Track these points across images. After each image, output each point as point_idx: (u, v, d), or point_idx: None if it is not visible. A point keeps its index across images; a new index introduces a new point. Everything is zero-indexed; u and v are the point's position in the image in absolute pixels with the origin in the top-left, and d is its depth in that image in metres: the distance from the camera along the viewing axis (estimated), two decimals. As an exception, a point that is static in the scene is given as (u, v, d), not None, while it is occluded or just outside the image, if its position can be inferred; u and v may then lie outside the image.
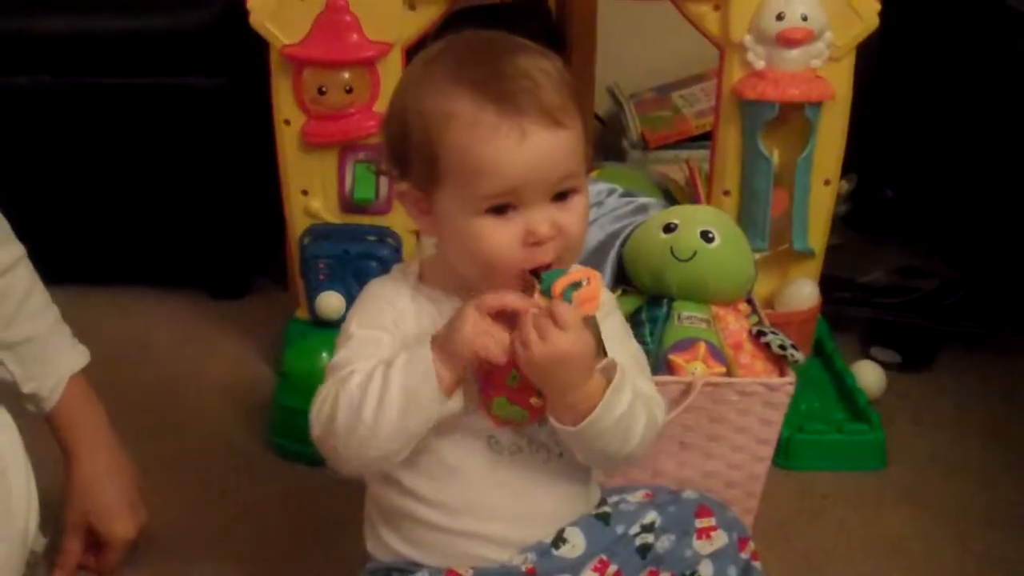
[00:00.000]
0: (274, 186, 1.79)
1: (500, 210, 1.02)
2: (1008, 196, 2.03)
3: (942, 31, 2.18)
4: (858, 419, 1.70)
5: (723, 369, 1.42)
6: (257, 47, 1.70)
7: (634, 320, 1.48)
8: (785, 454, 1.64)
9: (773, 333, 1.46)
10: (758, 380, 1.41)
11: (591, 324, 1.03)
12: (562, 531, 1.11)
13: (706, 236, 1.49)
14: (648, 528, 1.14)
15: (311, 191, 1.77)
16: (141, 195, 2.08)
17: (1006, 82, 1.99)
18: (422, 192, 1.06)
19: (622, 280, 1.57)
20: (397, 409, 1.02)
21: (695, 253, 1.48)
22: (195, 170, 2.05)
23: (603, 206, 1.65)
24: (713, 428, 1.43)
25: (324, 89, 1.69)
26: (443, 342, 1.02)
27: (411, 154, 1.05)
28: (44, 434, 1.30)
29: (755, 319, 1.52)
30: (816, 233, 1.78)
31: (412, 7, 1.68)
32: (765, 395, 1.41)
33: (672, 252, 1.49)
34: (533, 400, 1.05)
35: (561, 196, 1.03)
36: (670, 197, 1.86)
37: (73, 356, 1.33)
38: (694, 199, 1.80)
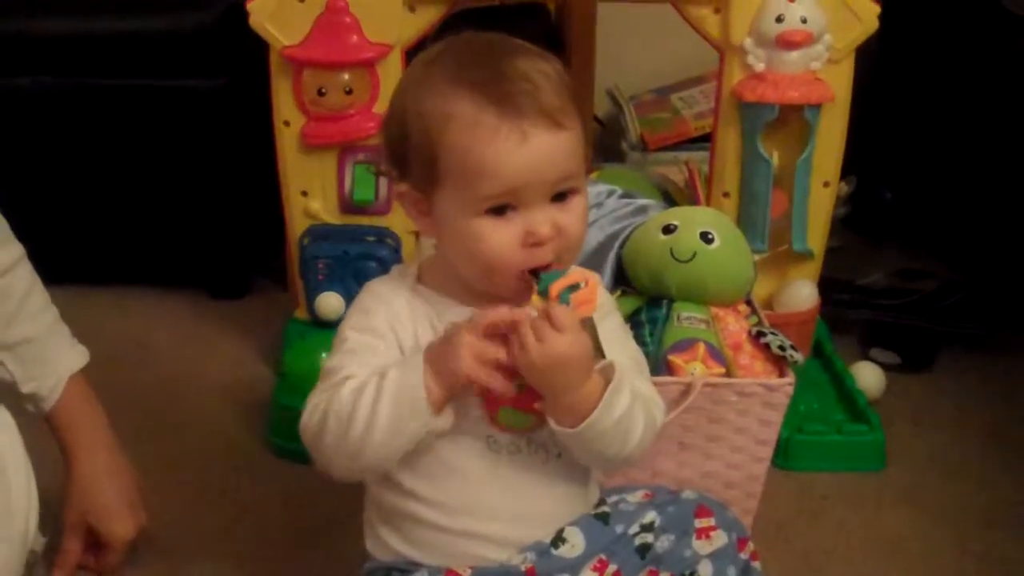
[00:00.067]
0: (274, 187, 1.80)
1: (500, 211, 1.02)
2: (1007, 197, 2.03)
3: (941, 34, 2.18)
4: (857, 420, 1.70)
5: (722, 370, 1.42)
6: (257, 48, 1.70)
7: (634, 321, 1.48)
8: (784, 455, 1.64)
9: (772, 334, 1.46)
10: (757, 381, 1.41)
11: (588, 326, 1.03)
12: (561, 531, 1.11)
13: (705, 237, 1.49)
14: (647, 528, 1.14)
15: (311, 192, 1.77)
16: (141, 196, 2.08)
17: (1004, 84, 1.99)
18: (422, 193, 1.07)
19: (621, 281, 1.57)
20: (386, 424, 1.02)
21: (694, 254, 1.48)
22: (195, 171, 2.05)
23: (603, 207, 1.65)
24: (712, 429, 1.43)
25: (324, 90, 1.69)
26: (437, 362, 1.03)
27: (411, 155, 1.06)
28: (44, 434, 1.30)
29: (754, 320, 1.52)
30: (815, 235, 1.78)
31: (412, 9, 1.68)
32: (764, 396, 1.41)
33: (672, 253, 1.49)
34: (538, 404, 1.05)
35: (561, 197, 1.04)
36: (669, 199, 1.86)
37: (72, 356, 1.33)
38: (693, 200, 1.80)
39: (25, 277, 1.30)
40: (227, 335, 2.03)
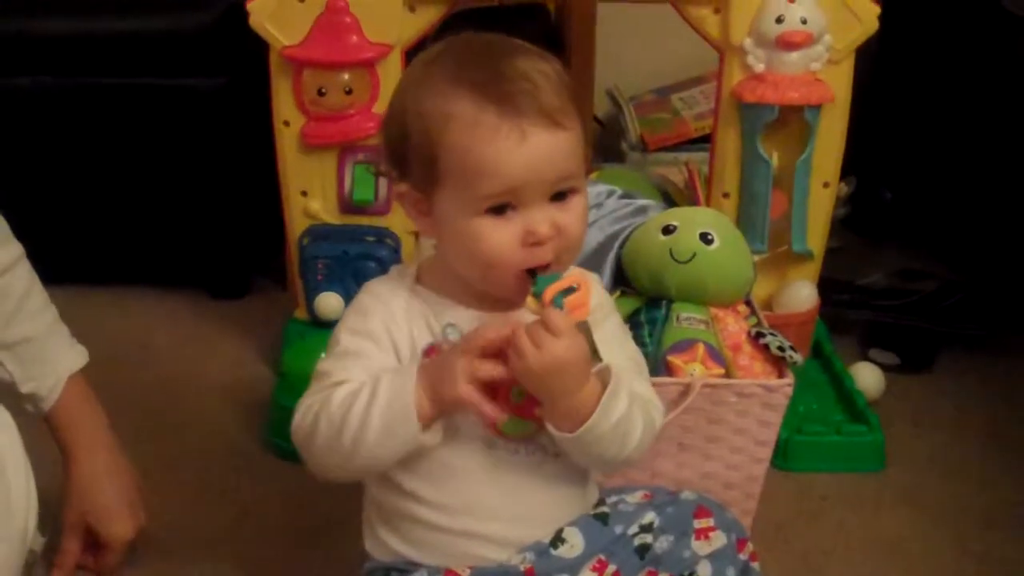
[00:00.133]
0: (274, 187, 1.80)
1: (499, 210, 1.02)
2: (1007, 198, 2.03)
3: (940, 34, 2.18)
4: (857, 421, 1.70)
5: (722, 371, 1.42)
6: (257, 48, 1.70)
7: (633, 321, 1.48)
8: (784, 455, 1.64)
9: (772, 335, 1.46)
10: (757, 382, 1.41)
11: (584, 330, 1.03)
12: (561, 531, 1.11)
13: (705, 238, 1.49)
14: (647, 528, 1.14)
15: (310, 192, 1.77)
16: (141, 195, 2.08)
17: (1004, 85, 1.99)
18: (421, 193, 1.07)
19: (621, 281, 1.57)
20: (376, 436, 1.03)
21: (694, 255, 1.48)
22: (195, 171, 2.05)
23: (602, 208, 1.65)
24: (712, 429, 1.43)
25: (324, 90, 1.69)
26: (431, 382, 1.03)
27: (410, 155, 1.06)
28: (43, 434, 1.30)
29: (754, 321, 1.52)
30: (815, 235, 1.78)
31: (412, 9, 1.68)
32: (764, 396, 1.41)
33: (671, 254, 1.49)
34: (538, 411, 1.06)
35: (560, 196, 1.04)
36: (669, 199, 1.86)
37: (72, 356, 1.33)
38: (693, 201, 1.80)
39: (24, 277, 1.30)
40: (227, 335, 2.03)
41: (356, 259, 1.74)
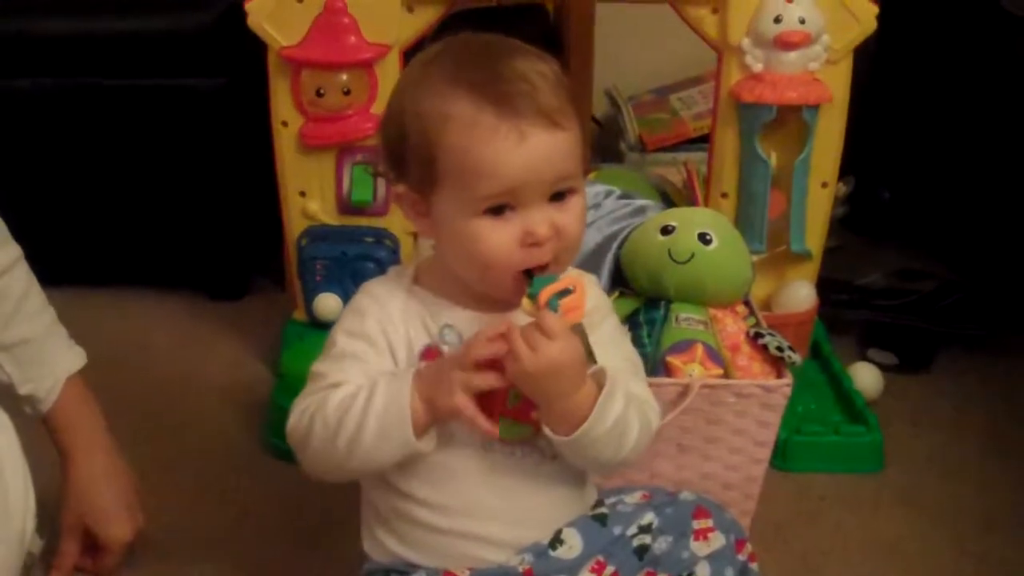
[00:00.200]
0: (272, 187, 1.79)
1: (498, 211, 1.02)
2: (1006, 198, 2.03)
3: (939, 34, 2.18)
4: (855, 421, 1.70)
5: (720, 371, 1.42)
6: (255, 49, 1.70)
7: (632, 322, 1.48)
8: (782, 456, 1.64)
9: (770, 335, 1.46)
10: (755, 382, 1.42)
11: (579, 331, 1.03)
12: (559, 532, 1.11)
13: (704, 238, 1.49)
14: (645, 529, 1.14)
15: (309, 193, 1.77)
16: (140, 196, 2.08)
17: (1002, 84, 1.99)
18: (419, 194, 1.07)
19: (620, 282, 1.57)
20: (371, 441, 1.04)
21: (693, 255, 1.48)
22: (194, 171, 2.05)
23: (601, 208, 1.65)
24: (711, 430, 1.43)
25: (322, 91, 1.69)
26: (427, 391, 1.04)
27: (409, 156, 1.06)
28: (41, 436, 1.30)
29: (752, 321, 1.52)
30: (813, 235, 1.78)
31: (410, 9, 1.68)
32: (762, 397, 1.41)
33: (670, 254, 1.49)
34: (535, 414, 1.06)
35: (559, 197, 1.04)
36: (668, 199, 1.86)
37: (70, 357, 1.33)
38: (692, 201, 1.80)
39: (22, 278, 1.30)
40: (225, 336, 2.02)
41: (355, 260, 1.74)
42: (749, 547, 1.17)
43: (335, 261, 1.75)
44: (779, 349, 1.43)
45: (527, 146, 1.01)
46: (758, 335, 1.46)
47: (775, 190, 1.72)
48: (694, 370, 1.41)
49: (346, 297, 1.70)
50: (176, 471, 1.64)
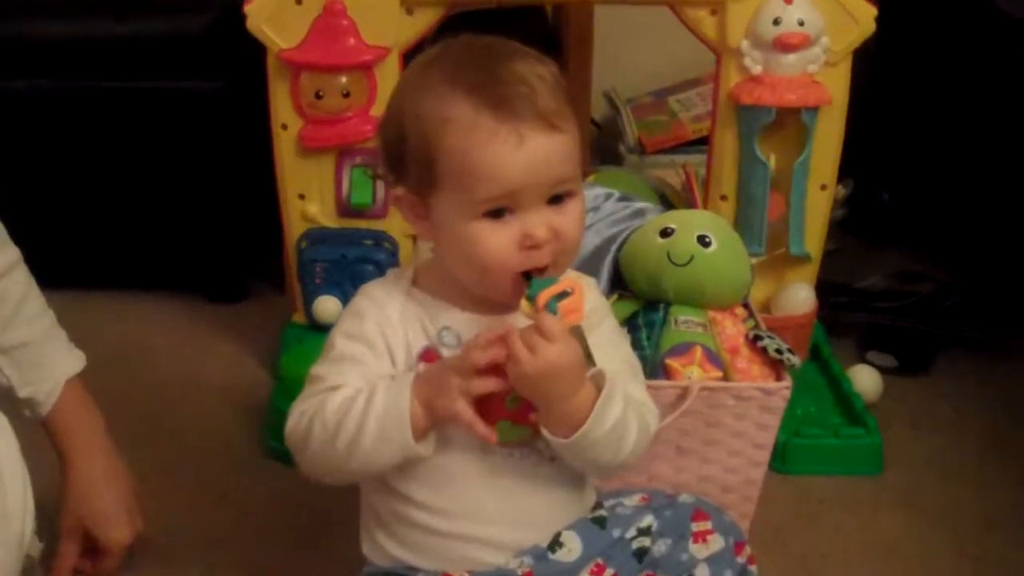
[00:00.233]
0: (271, 190, 1.79)
1: (496, 214, 1.03)
2: (1005, 200, 2.03)
3: (938, 36, 2.18)
4: (855, 423, 1.70)
5: (720, 373, 1.42)
6: (254, 51, 1.70)
7: (631, 325, 1.48)
8: (782, 458, 1.64)
9: (770, 337, 1.46)
10: (755, 384, 1.42)
11: (577, 334, 1.03)
12: (558, 535, 1.11)
13: (703, 241, 1.49)
14: (644, 532, 1.14)
15: (308, 195, 1.77)
16: (139, 199, 2.08)
17: (1002, 87, 1.99)
18: (418, 196, 1.07)
19: (619, 284, 1.57)
20: (370, 445, 1.04)
21: (692, 258, 1.48)
22: (192, 174, 2.05)
23: (600, 211, 1.65)
24: (710, 433, 1.43)
25: (321, 93, 1.69)
26: (426, 396, 1.04)
27: (408, 158, 1.06)
28: (41, 439, 1.30)
29: (752, 323, 1.52)
30: (813, 237, 1.78)
31: (409, 11, 1.68)
32: (762, 399, 1.41)
33: (669, 257, 1.49)
34: (533, 416, 1.06)
35: (557, 200, 1.04)
36: (667, 202, 1.86)
37: (69, 360, 1.33)
38: (691, 204, 1.80)
39: (21, 281, 1.30)
40: (225, 339, 2.02)
41: (354, 263, 1.74)
42: (748, 549, 1.18)
43: (334, 264, 1.75)
44: (778, 352, 1.43)
45: (526, 149, 1.01)
46: (757, 337, 1.46)
47: (774, 192, 1.72)
48: (693, 372, 1.41)
49: (345, 300, 1.69)
50: (175, 474, 1.64)
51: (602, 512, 1.15)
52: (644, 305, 1.52)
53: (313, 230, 1.78)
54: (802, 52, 1.65)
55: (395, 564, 1.12)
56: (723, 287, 1.50)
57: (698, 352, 1.42)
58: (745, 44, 1.66)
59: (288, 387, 1.64)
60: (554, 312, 1.01)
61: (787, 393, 1.41)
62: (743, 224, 1.73)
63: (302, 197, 1.77)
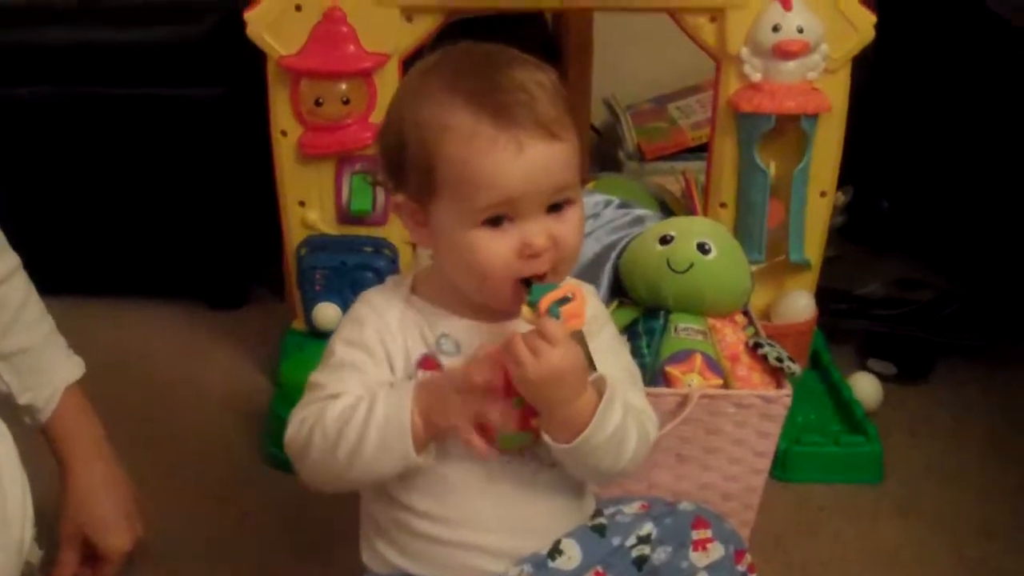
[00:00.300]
0: (271, 197, 1.79)
1: (495, 222, 1.02)
2: (1005, 207, 2.03)
3: (937, 43, 2.19)
4: (855, 431, 1.70)
5: (720, 381, 1.42)
6: (254, 58, 1.70)
7: (631, 332, 1.48)
8: (782, 466, 1.64)
9: (770, 345, 1.46)
10: (755, 392, 1.41)
11: (579, 339, 1.03)
12: (558, 542, 1.11)
13: (702, 248, 1.49)
14: (644, 540, 1.14)
15: (308, 202, 1.77)
16: (138, 205, 2.08)
17: (1001, 94, 1.99)
18: (418, 204, 1.07)
19: (618, 292, 1.57)
20: (371, 454, 1.04)
21: (691, 265, 1.48)
22: (192, 180, 2.05)
23: (599, 218, 1.65)
24: (710, 440, 1.43)
25: (321, 100, 1.69)
26: (426, 408, 1.04)
27: (407, 165, 1.06)
28: (39, 445, 1.30)
29: (752, 331, 1.52)
30: (812, 245, 1.78)
31: (409, 18, 1.68)
32: (762, 407, 1.41)
33: (668, 264, 1.49)
34: (535, 421, 1.05)
35: (556, 208, 1.04)
36: (666, 209, 1.86)
37: (68, 367, 1.33)
38: (690, 211, 1.80)
39: (21, 287, 1.30)
40: (224, 345, 2.02)
41: (354, 270, 1.74)
42: (748, 558, 1.17)
43: (334, 271, 1.75)
44: (778, 359, 1.43)
45: (525, 157, 1.01)
46: (757, 345, 1.46)
47: (774, 200, 1.72)
48: (693, 380, 1.41)
49: (345, 306, 1.70)
50: (175, 480, 1.64)
51: (602, 520, 1.15)
52: (644, 312, 1.52)
53: (313, 237, 1.78)
54: (801, 59, 1.66)
55: (395, 572, 1.12)
56: (723, 294, 1.50)
57: (698, 359, 1.42)
58: (744, 51, 1.67)
59: (288, 394, 1.64)
60: (557, 317, 1.01)
61: (787, 401, 1.41)
62: (743, 231, 1.73)
63: (302, 204, 1.77)
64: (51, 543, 1.30)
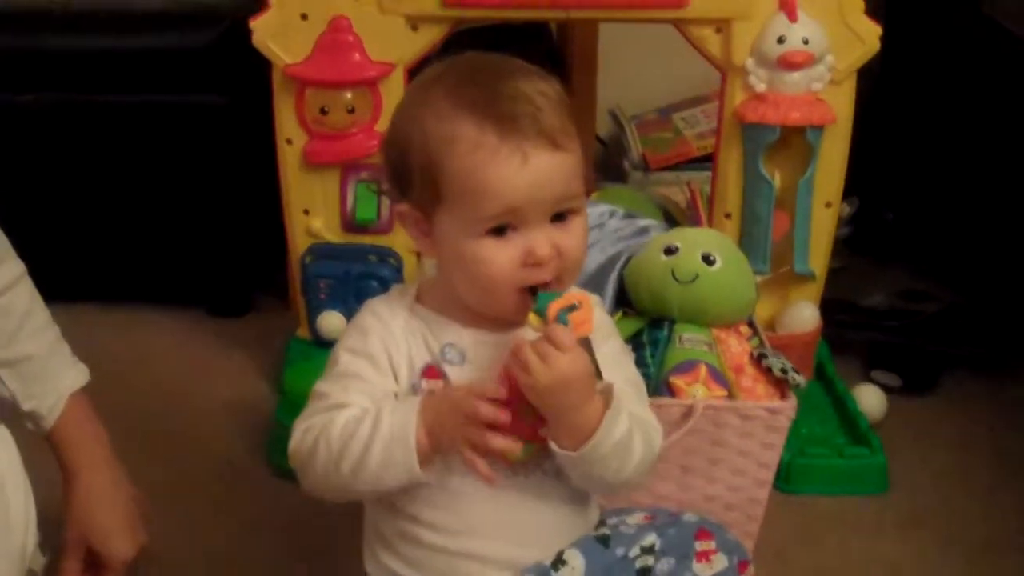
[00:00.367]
0: (276, 205, 1.80)
1: (499, 231, 1.02)
2: (1009, 218, 2.03)
3: (942, 55, 2.19)
4: (859, 443, 1.70)
5: (724, 392, 1.42)
6: (260, 66, 1.70)
7: (635, 342, 1.48)
8: (786, 478, 1.64)
9: (774, 356, 1.46)
10: (759, 403, 1.41)
11: (586, 346, 1.03)
12: (561, 552, 1.11)
13: (707, 259, 1.49)
14: (648, 550, 1.14)
15: (313, 210, 1.77)
16: (143, 213, 2.08)
17: (1005, 106, 1.99)
18: (422, 213, 1.07)
19: (623, 302, 1.57)
20: (374, 469, 1.04)
21: (696, 276, 1.48)
22: (197, 188, 2.06)
23: (604, 228, 1.65)
24: (714, 451, 1.43)
25: (326, 109, 1.69)
26: (432, 428, 1.04)
27: (411, 175, 1.06)
28: (43, 453, 1.30)
29: (756, 342, 1.52)
30: (817, 256, 1.78)
31: (414, 28, 1.68)
32: (766, 418, 1.40)
33: (673, 275, 1.49)
34: (542, 430, 1.05)
35: (560, 218, 1.04)
36: (671, 219, 1.86)
37: (73, 374, 1.33)
38: (695, 221, 1.80)
39: (26, 295, 1.30)
40: (228, 353, 2.02)
41: (358, 278, 1.74)
42: (752, 569, 1.17)
43: (339, 279, 1.75)
44: (783, 370, 1.43)
45: (529, 167, 1.01)
46: (762, 356, 1.46)
47: (779, 211, 1.72)
48: (698, 391, 1.41)
49: (349, 315, 1.69)
50: (178, 488, 1.64)
51: (605, 530, 1.15)
52: (648, 323, 1.51)
53: (317, 245, 1.78)
54: (806, 70, 1.66)
55: (398, 581, 1.12)
56: (727, 305, 1.50)
57: (702, 370, 1.42)
58: (750, 62, 1.67)
59: (292, 402, 1.64)
60: (565, 324, 1.01)
61: (792, 412, 1.41)
62: (748, 242, 1.73)
63: (307, 212, 1.77)
64: (54, 550, 1.29)
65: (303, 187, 1.76)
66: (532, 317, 1.03)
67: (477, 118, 1.01)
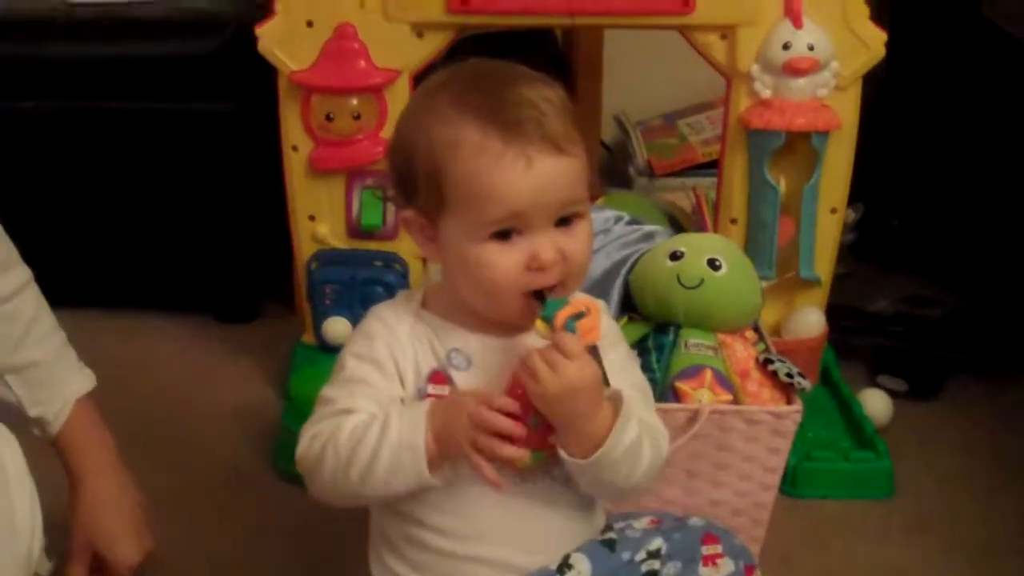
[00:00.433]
0: (282, 211, 1.80)
1: (504, 235, 1.03)
2: (1015, 224, 2.02)
3: (947, 61, 2.19)
4: (865, 447, 1.70)
5: (730, 397, 1.42)
6: (266, 73, 1.70)
7: (641, 348, 1.48)
8: (792, 482, 1.64)
9: (780, 361, 1.46)
10: (765, 408, 1.41)
11: (594, 353, 1.03)
12: (568, 557, 1.11)
13: (713, 264, 1.49)
14: (654, 555, 1.13)
15: (318, 217, 1.77)
16: (149, 219, 2.08)
17: (1011, 111, 1.99)
18: (427, 218, 1.07)
19: (628, 308, 1.57)
20: (383, 475, 1.04)
21: (702, 281, 1.48)
22: (203, 195, 2.06)
23: (610, 233, 1.65)
24: (720, 456, 1.43)
25: (332, 115, 1.70)
26: (440, 434, 1.04)
27: (416, 181, 1.06)
28: (50, 457, 1.30)
29: (762, 347, 1.52)
30: (823, 261, 1.78)
31: (420, 35, 1.69)
32: (772, 423, 1.40)
33: (679, 280, 1.49)
34: (552, 437, 1.05)
35: (565, 222, 1.04)
36: (676, 225, 1.86)
37: (79, 380, 1.33)
38: (701, 227, 1.80)
39: (32, 301, 1.30)
40: (234, 359, 2.02)
41: (364, 284, 1.74)
42: (758, 573, 1.17)
43: (345, 285, 1.75)
44: (788, 375, 1.43)
45: (534, 172, 1.01)
46: (767, 361, 1.46)
47: (784, 216, 1.72)
48: (703, 396, 1.41)
49: (355, 321, 1.70)
50: (184, 494, 1.64)
51: (611, 535, 1.15)
52: (654, 328, 1.52)
53: (323, 251, 1.78)
54: (812, 76, 1.66)
55: (404, 586, 1.12)
56: (733, 310, 1.50)
57: (708, 375, 1.42)
58: (755, 68, 1.67)
59: (298, 408, 1.64)
60: (573, 331, 1.01)
61: (798, 417, 1.41)
62: (753, 248, 1.73)
63: (312, 218, 1.77)
64: (60, 555, 1.30)
65: (309, 193, 1.76)
66: (540, 324, 1.03)
67: (481, 123, 1.01)
